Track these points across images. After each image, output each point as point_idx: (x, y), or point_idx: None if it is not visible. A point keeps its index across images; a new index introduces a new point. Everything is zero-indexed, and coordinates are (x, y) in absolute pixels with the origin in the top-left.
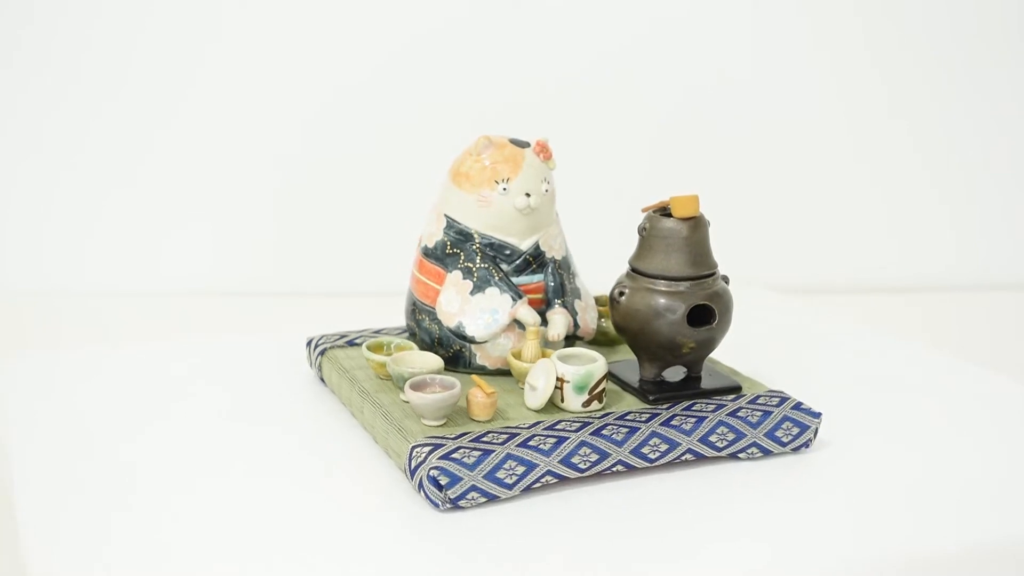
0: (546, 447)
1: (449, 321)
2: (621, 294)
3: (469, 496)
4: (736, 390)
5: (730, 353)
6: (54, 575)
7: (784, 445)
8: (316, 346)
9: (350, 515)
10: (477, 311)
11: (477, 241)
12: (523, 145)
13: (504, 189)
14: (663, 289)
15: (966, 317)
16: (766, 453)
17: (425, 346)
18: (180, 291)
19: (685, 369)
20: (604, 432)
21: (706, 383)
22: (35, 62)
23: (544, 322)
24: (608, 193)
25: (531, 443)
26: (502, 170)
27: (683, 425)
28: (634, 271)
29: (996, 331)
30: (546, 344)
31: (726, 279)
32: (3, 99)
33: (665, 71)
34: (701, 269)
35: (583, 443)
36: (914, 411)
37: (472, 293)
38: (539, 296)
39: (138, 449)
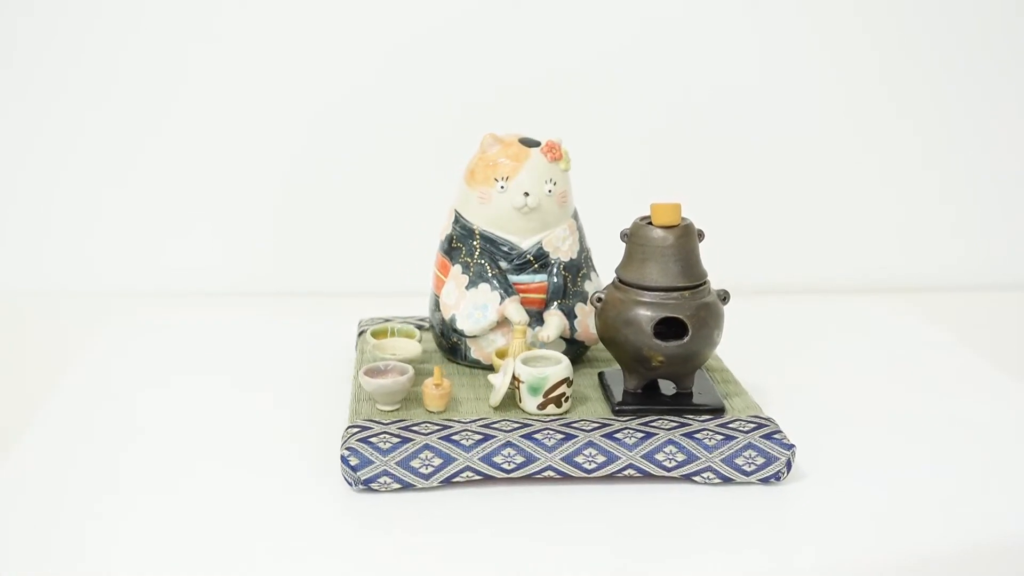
0: (468, 443)
1: (446, 313)
2: (599, 300)
3: (381, 480)
4: (718, 411)
5: (742, 364)
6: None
7: (747, 474)
8: (360, 327)
9: (284, 491)
10: (470, 306)
11: (477, 237)
12: (532, 144)
13: (502, 187)
14: (635, 299)
15: (966, 317)
16: (725, 480)
17: (436, 336)
18: (181, 291)
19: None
20: (536, 436)
21: (696, 399)
22: (34, 59)
23: (542, 322)
24: (625, 196)
25: (454, 437)
26: (502, 168)
27: (627, 439)
28: (618, 279)
29: (996, 331)
30: (541, 345)
31: (723, 294)
32: (2, 98)
33: (666, 71)
34: (681, 280)
35: (508, 444)
36: (918, 419)
37: (467, 287)
38: (540, 296)
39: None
